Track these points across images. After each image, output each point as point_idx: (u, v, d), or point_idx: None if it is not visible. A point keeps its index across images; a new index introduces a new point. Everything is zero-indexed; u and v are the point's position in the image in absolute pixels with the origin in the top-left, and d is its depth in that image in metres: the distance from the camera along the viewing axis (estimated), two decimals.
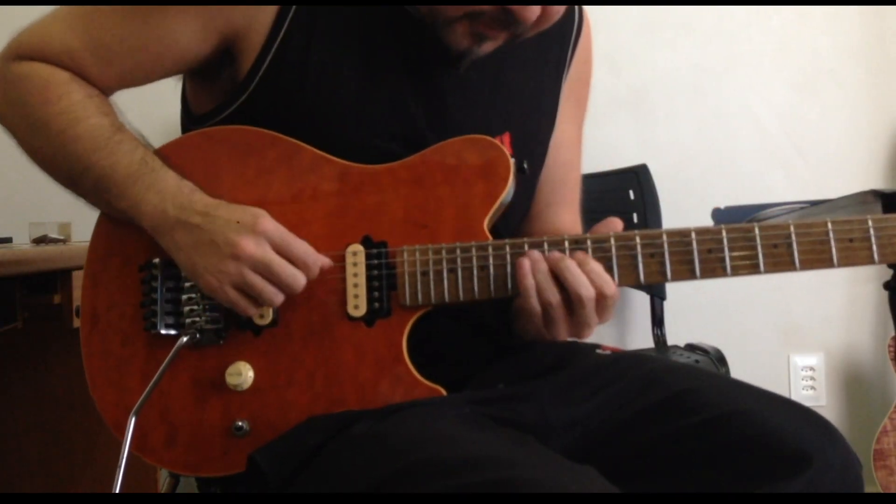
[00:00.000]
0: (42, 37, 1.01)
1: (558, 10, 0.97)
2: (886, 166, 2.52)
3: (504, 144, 1.05)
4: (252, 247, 0.91)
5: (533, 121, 1.11)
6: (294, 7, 0.98)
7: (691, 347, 2.21)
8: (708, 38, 2.53)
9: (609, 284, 0.93)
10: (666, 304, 2.42)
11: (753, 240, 0.93)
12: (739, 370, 2.12)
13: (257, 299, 0.93)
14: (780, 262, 0.93)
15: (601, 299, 0.93)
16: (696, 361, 2.09)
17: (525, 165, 1.00)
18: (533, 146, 1.11)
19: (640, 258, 0.93)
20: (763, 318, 2.52)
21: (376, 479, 0.82)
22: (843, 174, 2.50)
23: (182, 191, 0.95)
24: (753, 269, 0.93)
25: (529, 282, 0.93)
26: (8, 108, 1.02)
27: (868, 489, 2.34)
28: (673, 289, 2.41)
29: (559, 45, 1.15)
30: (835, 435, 0.93)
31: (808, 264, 0.92)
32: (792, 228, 0.92)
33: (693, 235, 0.93)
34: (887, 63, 2.53)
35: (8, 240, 1.87)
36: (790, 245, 0.92)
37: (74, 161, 0.98)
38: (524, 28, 0.95)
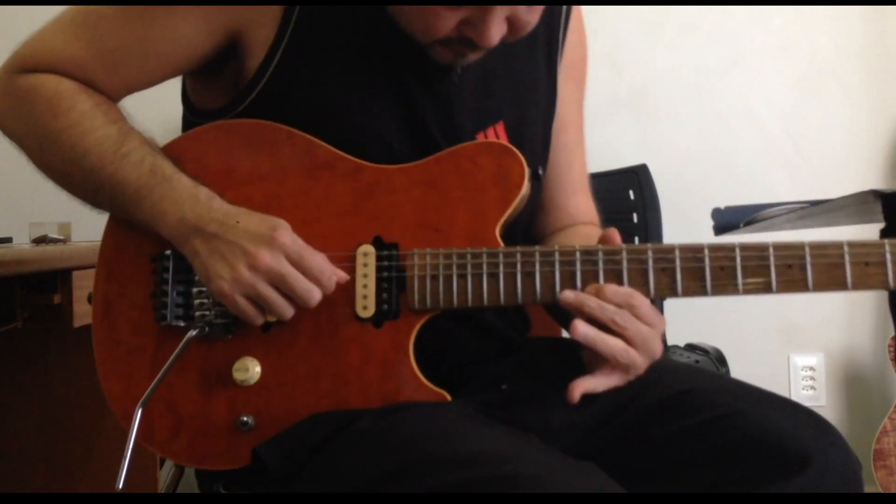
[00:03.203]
0: (47, 47, 0.99)
1: (528, 22, 0.95)
2: (887, 166, 2.52)
3: (499, 133, 1.05)
4: (268, 258, 0.90)
5: (529, 107, 1.10)
6: (292, 22, 0.97)
7: (691, 347, 2.21)
8: (709, 38, 2.54)
9: (629, 292, 0.91)
10: (666, 304, 2.42)
11: (767, 259, 0.90)
12: (739, 370, 2.12)
13: (268, 310, 0.93)
14: (793, 282, 0.90)
15: (628, 307, 0.91)
16: (696, 361, 2.09)
17: (540, 172, 0.99)
18: (530, 132, 1.09)
19: (651, 273, 0.92)
20: (763, 318, 2.52)
21: (378, 476, 0.82)
22: (843, 174, 2.51)
23: (199, 199, 0.94)
24: (766, 289, 0.91)
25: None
26: (17, 123, 1.01)
27: (868, 489, 2.34)
28: None
29: (548, 27, 1.13)
30: (834, 435, 0.93)
31: (821, 286, 0.90)
32: (807, 249, 0.90)
33: (706, 252, 0.91)
34: (888, 63, 2.53)
35: (8, 240, 1.87)
36: (804, 267, 0.90)
37: (87, 177, 0.97)
38: (490, 47, 0.95)
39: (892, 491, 2.32)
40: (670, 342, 2.38)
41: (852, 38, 2.53)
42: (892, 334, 2.38)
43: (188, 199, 0.94)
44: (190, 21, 0.97)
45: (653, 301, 0.92)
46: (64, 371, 1.87)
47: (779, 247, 0.90)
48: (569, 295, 0.91)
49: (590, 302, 0.90)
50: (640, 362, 0.91)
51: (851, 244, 0.89)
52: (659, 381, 0.98)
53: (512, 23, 0.94)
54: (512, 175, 0.97)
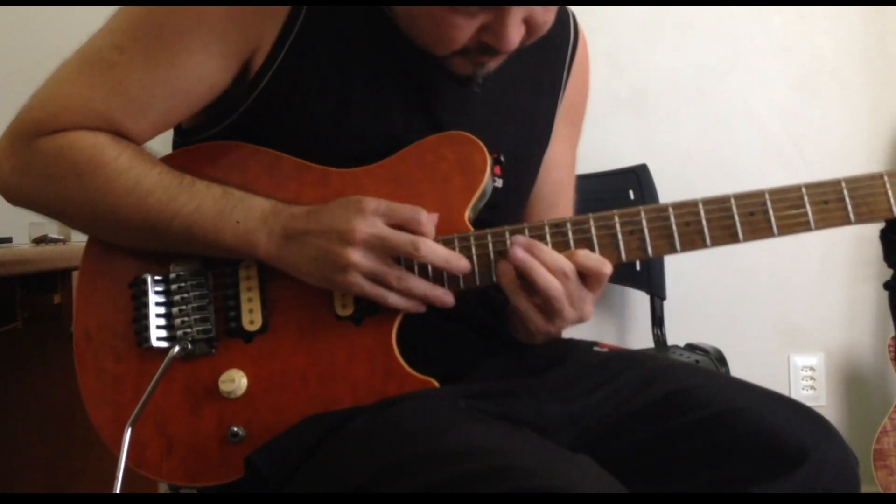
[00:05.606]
0: (64, 105, 0.96)
1: (546, 22, 0.95)
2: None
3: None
4: (364, 227, 0.90)
5: (525, 143, 1.11)
6: (297, 26, 0.96)
7: (691, 347, 2.21)
8: (709, 37, 2.54)
9: (602, 261, 0.93)
10: (666, 304, 2.42)
11: (730, 209, 0.94)
12: (739, 370, 2.12)
13: (385, 281, 0.92)
14: (758, 228, 0.94)
15: (597, 276, 0.93)
16: (696, 361, 2.09)
17: (502, 158, 1.00)
18: (522, 168, 1.10)
19: (619, 236, 0.94)
20: (763, 318, 2.52)
21: (372, 475, 0.82)
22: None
23: (274, 207, 0.94)
24: (732, 239, 0.94)
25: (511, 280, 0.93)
26: (51, 189, 0.96)
27: (868, 489, 2.34)
28: (673, 289, 2.41)
29: (554, 65, 1.14)
30: (831, 431, 0.94)
31: (785, 229, 0.93)
32: (767, 196, 0.93)
33: (670, 210, 0.94)
34: (888, 63, 2.53)
35: (8, 240, 1.87)
36: (766, 212, 0.93)
37: (155, 215, 0.94)
38: (511, 52, 0.95)
39: (892, 491, 2.32)
40: (670, 342, 2.38)
41: (852, 38, 2.53)
42: (892, 334, 2.38)
43: (273, 210, 0.94)
44: (207, 54, 0.95)
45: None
46: (64, 371, 1.86)
47: (739, 196, 0.94)
48: (520, 240, 0.93)
49: (543, 251, 0.92)
50: (568, 316, 0.93)
51: (808, 185, 0.94)
52: (656, 379, 0.99)
53: (529, 24, 0.94)
54: (475, 162, 0.99)
